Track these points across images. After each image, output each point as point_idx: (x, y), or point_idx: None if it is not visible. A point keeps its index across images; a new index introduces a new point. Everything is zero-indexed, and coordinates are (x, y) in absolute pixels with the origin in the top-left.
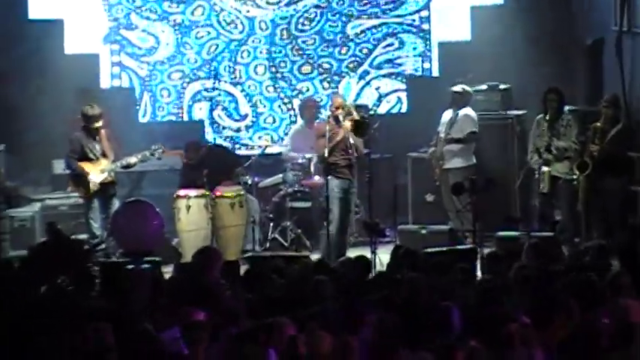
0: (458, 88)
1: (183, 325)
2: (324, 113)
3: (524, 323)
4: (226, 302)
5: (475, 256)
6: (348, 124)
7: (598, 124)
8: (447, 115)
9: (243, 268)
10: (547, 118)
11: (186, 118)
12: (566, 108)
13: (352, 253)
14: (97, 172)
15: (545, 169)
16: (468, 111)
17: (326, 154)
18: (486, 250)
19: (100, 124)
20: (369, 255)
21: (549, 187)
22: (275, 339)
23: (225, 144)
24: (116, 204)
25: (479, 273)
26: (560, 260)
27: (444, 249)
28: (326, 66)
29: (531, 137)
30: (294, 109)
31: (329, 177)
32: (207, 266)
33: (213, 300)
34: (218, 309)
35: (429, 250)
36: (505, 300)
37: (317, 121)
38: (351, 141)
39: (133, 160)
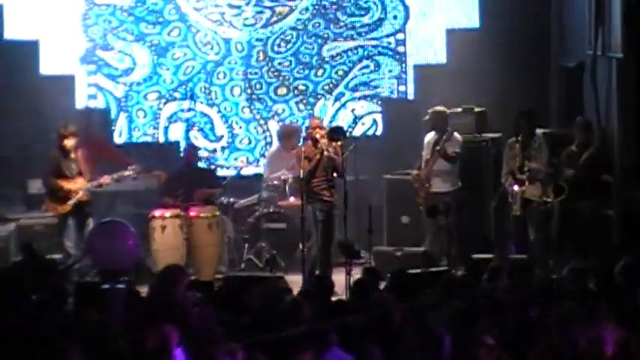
0: (437, 108)
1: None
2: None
3: (489, 345)
4: (195, 321)
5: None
6: (325, 140)
7: (571, 148)
8: (430, 136)
9: (217, 289)
10: (519, 140)
11: (162, 139)
12: (540, 130)
13: None
14: (73, 189)
15: (516, 188)
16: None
17: (301, 175)
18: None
19: (72, 142)
20: (343, 276)
21: (522, 210)
22: None
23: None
24: (91, 224)
25: None
26: (534, 283)
27: (418, 271)
28: (302, 88)
29: (504, 160)
30: (269, 131)
31: (311, 200)
32: (172, 284)
33: (180, 318)
34: (187, 328)
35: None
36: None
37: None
38: (332, 156)
39: (107, 179)
